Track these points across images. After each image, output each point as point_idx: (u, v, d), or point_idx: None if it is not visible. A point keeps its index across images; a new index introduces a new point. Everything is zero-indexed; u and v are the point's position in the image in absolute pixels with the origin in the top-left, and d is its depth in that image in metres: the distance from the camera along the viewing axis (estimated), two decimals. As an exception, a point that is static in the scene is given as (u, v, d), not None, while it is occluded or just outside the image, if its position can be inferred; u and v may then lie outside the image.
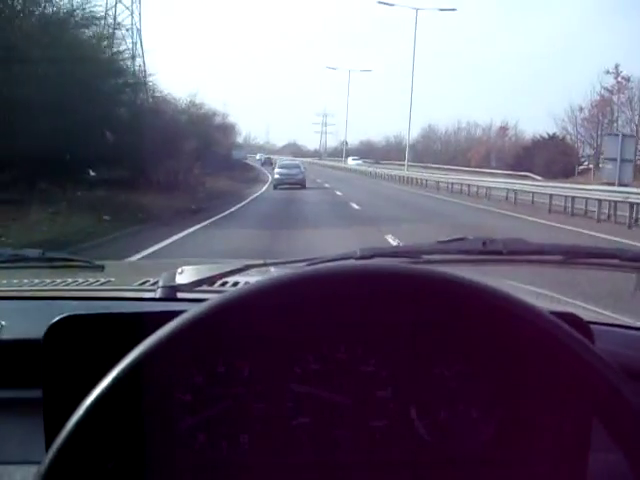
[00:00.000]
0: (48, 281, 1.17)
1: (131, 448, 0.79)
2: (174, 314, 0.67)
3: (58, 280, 1.17)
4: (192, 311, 0.53)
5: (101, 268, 1.26)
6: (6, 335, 0.97)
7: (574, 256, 1.41)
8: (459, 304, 0.56)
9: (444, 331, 0.88)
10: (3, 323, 0.98)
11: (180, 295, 1.04)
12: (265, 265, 1.17)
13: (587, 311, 1.41)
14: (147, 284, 1.07)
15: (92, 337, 0.81)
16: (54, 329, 0.79)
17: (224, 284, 1.14)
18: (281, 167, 31.19)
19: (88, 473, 0.48)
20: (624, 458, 0.56)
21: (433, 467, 0.88)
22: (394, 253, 1.19)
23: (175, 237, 10.59)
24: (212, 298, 0.55)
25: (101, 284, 1.12)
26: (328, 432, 0.91)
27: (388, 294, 0.56)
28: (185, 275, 1.11)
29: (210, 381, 0.90)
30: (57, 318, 0.79)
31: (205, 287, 1.07)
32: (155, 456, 0.84)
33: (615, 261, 1.45)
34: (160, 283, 1.07)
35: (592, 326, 0.85)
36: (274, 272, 1.16)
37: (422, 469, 0.87)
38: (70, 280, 1.18)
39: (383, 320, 0.84)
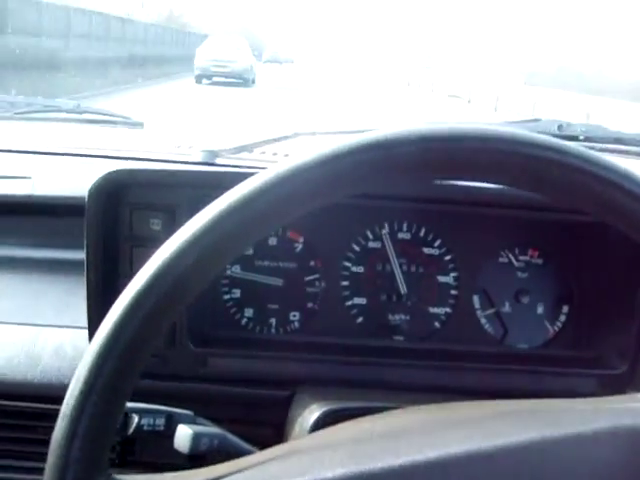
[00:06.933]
0: (84, 137, 1.08)
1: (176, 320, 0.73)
2: (216, 176, 0.71)
3: (95, 137, 1.09)
4: (261, 176, 0.42)
5: (140, 125, 1.17)
6: (38, 191, 0.89)
7: None
8: (551, 174, 0.42)
9: (516, 213, 0.80)
10: (32, 178, 0.90)
11: (219, 161, 0.97)
12: (314, 134, 1.08)
13: None
14: (186, 146, 0.99)
15: (133, 195, 0.74)
16: (98, 187, 0.72)
17: (264, 152, 1.06)
18: None
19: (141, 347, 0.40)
20: None
21: (493, 361, 0.82)
22: None
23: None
24: (266, 166, 0.44)
25: (139, 143, 1.03)
26: (385, 316, 0.85)
27: (458, 161, 0.42)
28: (226, 140, 1.04)
29: (260, 254, 0.83)
30: (103, 174, 0.71)
31: (245, 154, 1.00)
32: (200, 328, 0.79)
33: None
34: (200, 147, 0.99)
35: None
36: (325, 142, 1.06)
37: (481, 362, 0.81)
38: (108, 137, 1.09)
39: (450, 196, 0.76)
